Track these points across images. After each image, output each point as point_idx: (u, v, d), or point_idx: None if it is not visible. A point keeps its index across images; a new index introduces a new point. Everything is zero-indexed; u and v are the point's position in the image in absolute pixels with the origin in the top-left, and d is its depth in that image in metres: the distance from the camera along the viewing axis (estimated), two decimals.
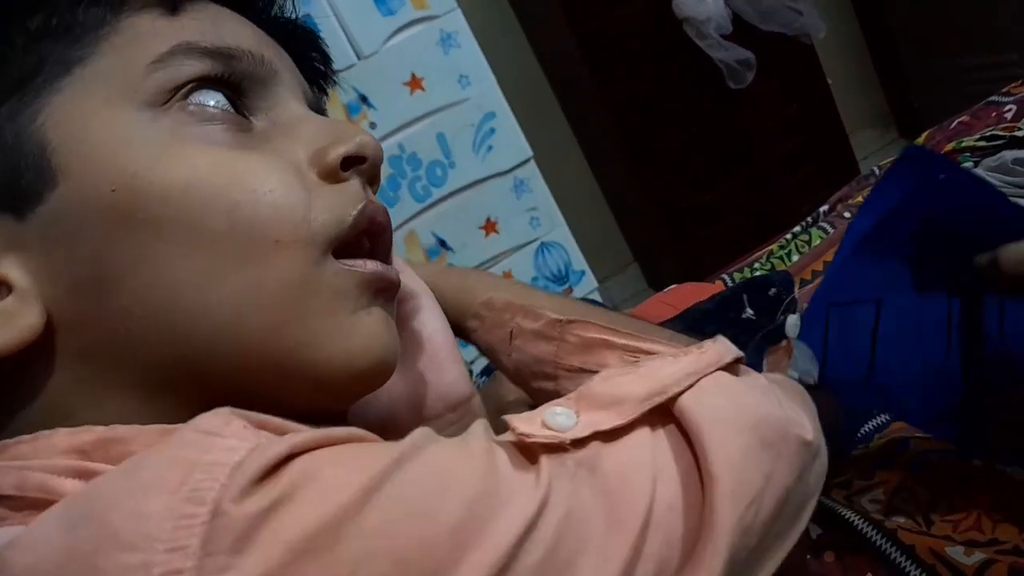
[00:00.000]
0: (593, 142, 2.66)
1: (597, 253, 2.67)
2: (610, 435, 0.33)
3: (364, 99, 2.02)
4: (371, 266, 0.38)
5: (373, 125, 2.03)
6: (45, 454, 0.30)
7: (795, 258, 1.18)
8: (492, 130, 2.13)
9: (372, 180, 0.40)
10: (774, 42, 2.31)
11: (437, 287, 0.54)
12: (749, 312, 0.80)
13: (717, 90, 2.31)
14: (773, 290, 0.87)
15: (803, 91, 2.46)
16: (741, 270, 1.22)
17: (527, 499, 0.28)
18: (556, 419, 0.32)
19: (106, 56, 0.34)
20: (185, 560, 0.23)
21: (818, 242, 1.20)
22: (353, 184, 0.38)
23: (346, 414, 0.41)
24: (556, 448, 0.31)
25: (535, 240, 2.24)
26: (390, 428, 0.34)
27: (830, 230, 1.22)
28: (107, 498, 0.25)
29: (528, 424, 0.32)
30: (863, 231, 0.62)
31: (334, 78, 0.51)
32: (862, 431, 0.75)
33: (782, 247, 1.24)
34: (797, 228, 1.29)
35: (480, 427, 0.32)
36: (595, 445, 0.32)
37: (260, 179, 0.34)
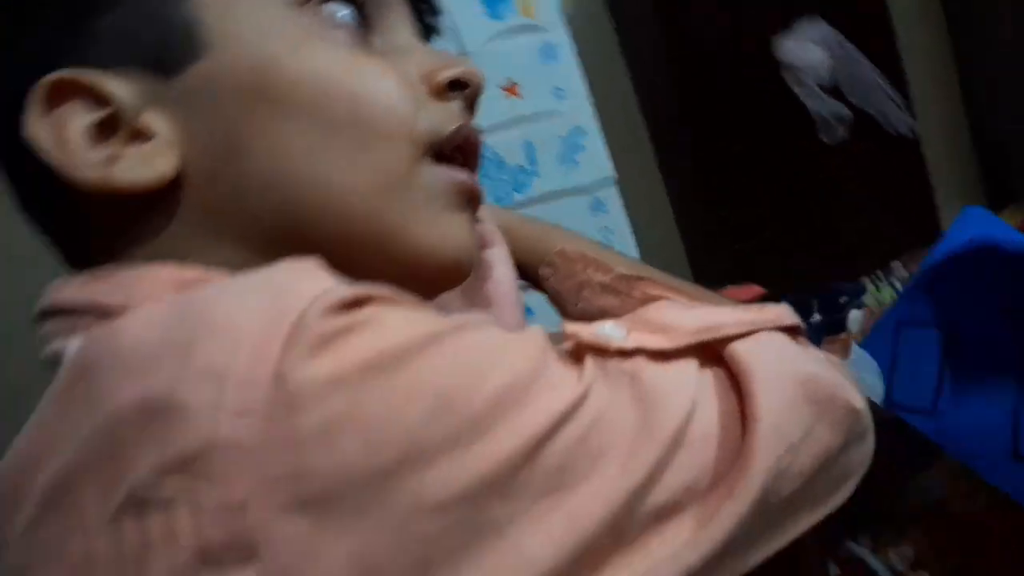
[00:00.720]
0: (676, 174, 2.65)
1: None
2: (656, 356, 0.34)
3: None
4: (462, 175, 0.43)
5: None
6: (150, 283, 0.33)
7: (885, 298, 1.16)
8: (579, 145, 2.15)
9: (471, 106, 0.45)
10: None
11: (514, 232, 0.59)
12: (817, 317, 0.79)
13: (812, 142, 2.28)
14: (844, 298, 0.86)
15: (895, 155, 2.42)
16: None
17: (568, 389, 0.30)
18: (606, 330, 0.35)
19: None
20: (269, 353, 0.26)
21: (887, 299, 1.18)
22: (455, 104, 0.43)
23: None
24: (602, 352, 0.34)
25: None
26: None
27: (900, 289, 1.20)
28: (208, 299, 0.29)
29: (580, 328, 0.35)
30: (937, 261, 0.62)
31: (438, 30, 0.54)
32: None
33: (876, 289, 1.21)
34: (871, 286, 1.27)
35: (538, 328, 0.34)
36: (640, 360, 0.34)
37: (379, 79, 0.39)
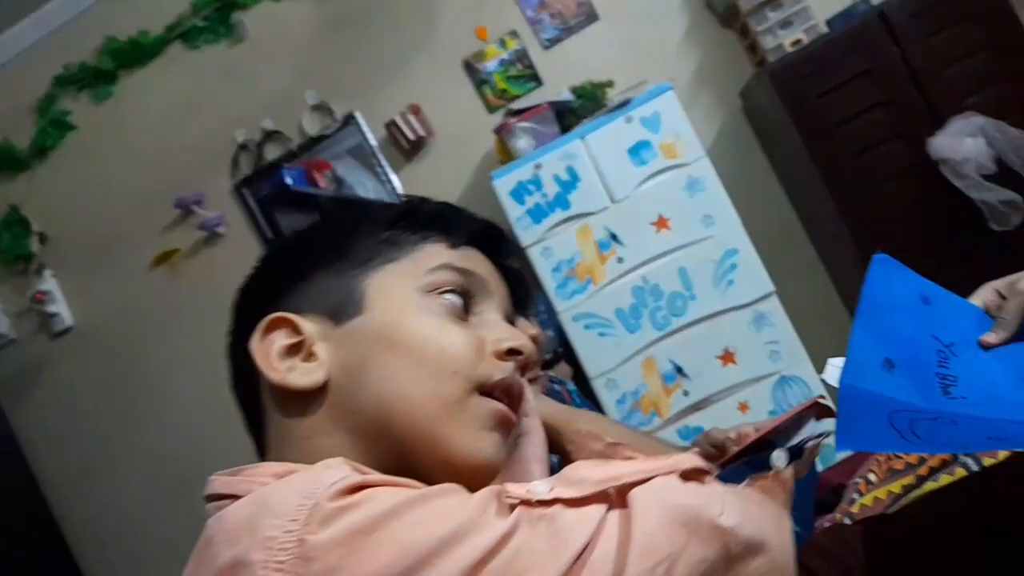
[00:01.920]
0: (847, 280, 2.63)
1: None
2: (570, 503, 0.48)
3: (614, 236, 2.27)
4: (501, 407, 0.60)
5: (620, 260, 2.26)
6: (261, 474, 0.53)
7: None
8: (733, 265, 2.25)
9: (525, 369, 0.64)
10: None
11: (554, 419, 0.80)
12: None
13: (982, 231, 2.20)
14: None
15: None
16: None
17: (496, 531, 0.44)
18: (536, 487, 0.49)
19: (410, 259, 0.63)
20: (296, 524, 0.44)
21: None
22: (509, 364, 0.62)
23: None
24: (528, 504, 0.47)
25: (775, 374, 2.26)
26: None
27: None
28: (270, 491, 0.48)
29: (516, 489, 0.49)
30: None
31: (528, 308, 0.80)
32: None
33: None
34: None
35: (488, 490, 0.49)
36: (558, 507, 0.47)
37: (457, 338, 0.60)
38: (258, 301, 0.63)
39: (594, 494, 0.49)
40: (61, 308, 2.99)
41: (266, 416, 0.61)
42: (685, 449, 0.93)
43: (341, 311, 0.60)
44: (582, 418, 0.82)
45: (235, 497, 0.51)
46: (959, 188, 2.16)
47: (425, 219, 0.65)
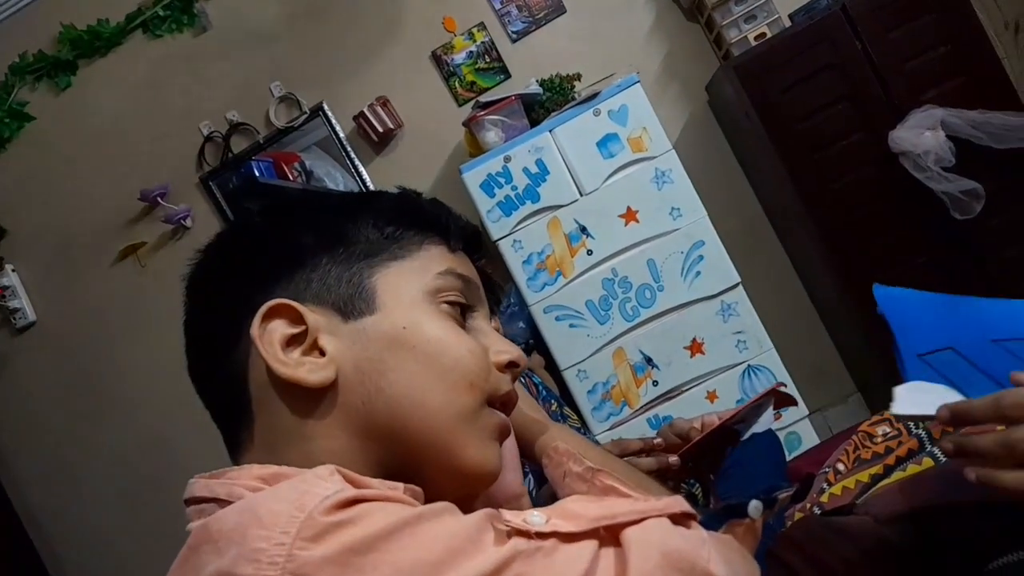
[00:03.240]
0: (811, 273, 2.68)
1: (816, 381, 2.65)
2: (566, 537, 0.49)
3: (583, 229, 2.29)
4: (504, 419, 0.62)
5: (590, 252, 2.28)
6: (246, 476, 0.51)
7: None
8: (700, 257, 2.28)
9: (515, 377, 0.66)
10: (1011, 169, 2.23)
11: (530, 431, 0.81)
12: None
13: (944, 222, 2.26)
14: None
15: None
16: None
17: (492, 558, 0.44)
18: (532, 518, 0.49)
19: (416, 260, 0.61)
20: (287, 538, 0.42)
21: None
22: (508, 376, 0.63)
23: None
24: (525, 534, 0.48)
25: (741, 363, 2.30)
26: (468, 507, 0.53)
27: None
28: (259, 500, 0.47)
29: (513, 517, 0.49)
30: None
31: (498, 308, 0.79)
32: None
33: None
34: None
35: (483, 514, 0.49)
36: (554, 541, 0.48)
37: (473, 349, 0.60)
38: (244, 280, 0.59)
39: (589, 530, 0.50)
40: (23, 303, 2.93)
41: (256, 410, 0.57)
42: (652, 441, 0.95)
43: (350, 306, 0.58)
44: (560, 433, 0.82)
45: (217, 501, 0.51)
46: (920, 180, 2.22)
47: (426, 218, 0.64)
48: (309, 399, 0.56)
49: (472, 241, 0.68)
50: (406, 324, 0.58)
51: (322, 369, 0.55)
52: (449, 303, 0.61)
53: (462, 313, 0.63)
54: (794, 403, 0.96)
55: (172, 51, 2.87)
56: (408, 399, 0.56)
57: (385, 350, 0.57)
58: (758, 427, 0.93)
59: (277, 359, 0.55)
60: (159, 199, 2.83)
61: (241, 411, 0.58)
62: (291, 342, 0.56)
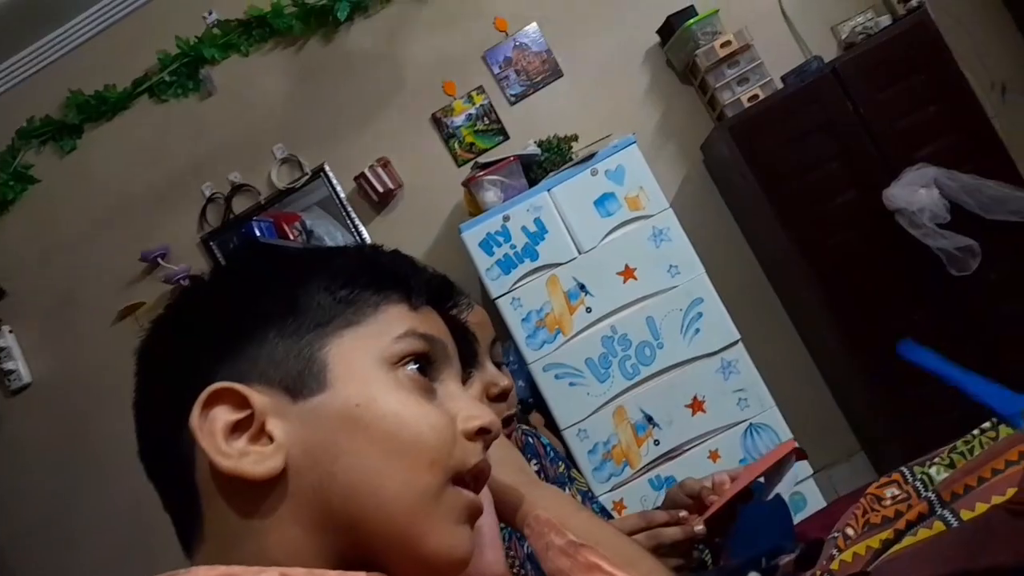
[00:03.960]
0: (811, 329, 2.68)
1: (819, 438, 2.62)
2: None
3: (582, 287, 2.30)
4: (473, 497, 0.55)
5: (589, 309, 2.29)
6: None
7: (976, 453, 1.17)
8: (700, 314, 2.29)
9: (488, 444, 0.59)
10: (1004, 227, 2.25)
11: (511, 495, 0.76)
12: None
13: (941, 277, 2.27)
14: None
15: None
16: (922, 464, 1.22)
17: None
18: None
19: (372, 325, 0.55)
20: None
21: (1005, 437, 1.18)
22: (479, 445, 0.57)
23: None
24: None
25: (743, 421, 2.28)
26: None
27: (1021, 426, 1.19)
28: None
29: None
30: None
31: (474, 367, 0.80)
32: None
33: (966, 443, 1.22)
34: (986, 424, 1.26)
35: None
36: None
37: (436, 421, 0.53)
38: (185, 360, 0.53)
39: None
40: (19, 364, 2.92)
41: (203, 503, 0.51)
42: (677, 514, 0.92)
43: (299, 384, 0.51)
44: (543, 497, 0.78)
45: None
46: (916, 237, 2.24)
47: (384, 275, 0.58)
48: (257, 491, 0.50)
49: (441, 293, 0.64)
50: (359, 400, 0.51)
51: (268, 459, 0.49)
52: (413, 368, 0.55)
53: (428, 376, 0.57)
54: (806, 458, 0.95)
55: (176, 115, 2.92)
56: (364, 484, 0.50)
57: (338, 431, 0.50)
58: (782, 487, 0.91)
59: (218, 451, 0.49)
60: (159, 260, 2.84)
61: (189, 503, 0.52)
62: (236, 428, 0.50)
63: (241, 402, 0.50)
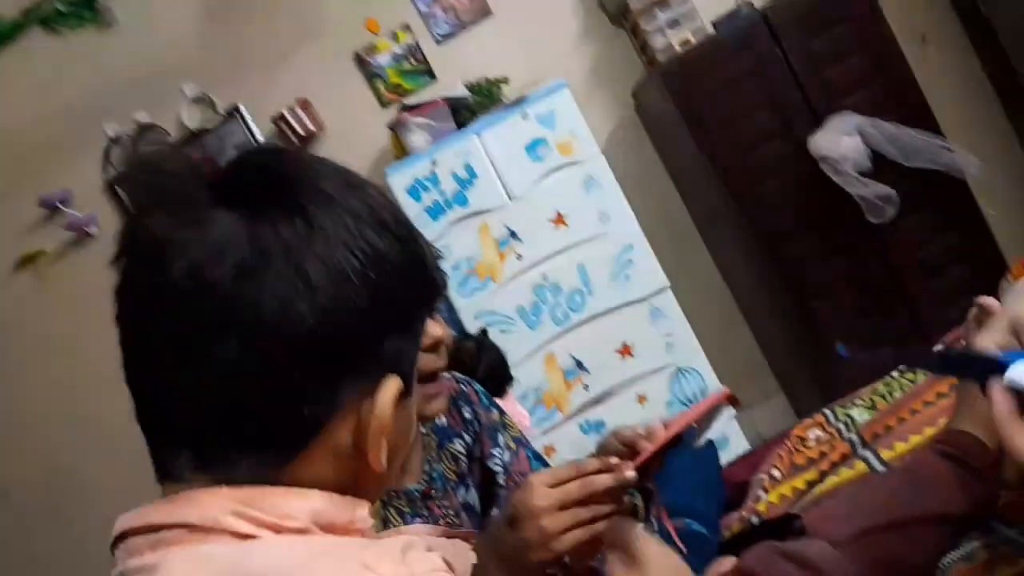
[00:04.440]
0: (736, 275, 2.73)
1: (740, 381, 2.69)
2: None
3: (513, 234, 2.26)
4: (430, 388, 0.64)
5: (520, 257, 2.25)
6: (217, 501, 0.46)
7: (896, 395, 1.20)
8: (630, 261, 2.29)
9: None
10: (923, 177, 2.31)
11: None
12: None
13: (861, 225, 2.33)
14: None
15: (957, 224, 2.41)
16: (844, 405, 1.25)
17: None
18: None
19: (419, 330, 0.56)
20: None
21: (923, 379, 1.21)
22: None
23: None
24: None
25: (671, 365, 2.31)
26: None
27: None
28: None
29: None
30: None
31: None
32: None
33: (886, 384, 1.25)
34: (904, 366, 1.30)
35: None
36: None
37: None
38: (368, 330, 0.49)
39: None
40: None
41: (298, 458, 0.49)
42: (608, 460, 0.91)
43: (409, 385, 0.53)
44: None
45: (187, 527, 0.45)
46: (838, 184, 2.28)
47: (438, 288, 0.58)
48: (353, 472, 0.51)
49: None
50: (414, 413, 0.56)
51: (383, 452, 0.51)
52: None
53: None
54: (740, 405, 0.95)
55: (73, 48, 2.70)
56: (386, 478, 0.54)
57: (402, 437, 0.54)
58: (711, 433, 0.91)
59: (383, 444, 0.50)
60: (60, 205, 2.66)
61: (271, 446, 0.49)
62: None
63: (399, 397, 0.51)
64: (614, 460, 0.88)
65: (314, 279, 0.46)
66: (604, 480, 0.81)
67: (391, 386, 0.50)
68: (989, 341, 0.60)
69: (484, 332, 1.88)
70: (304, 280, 0.46)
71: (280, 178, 0.50)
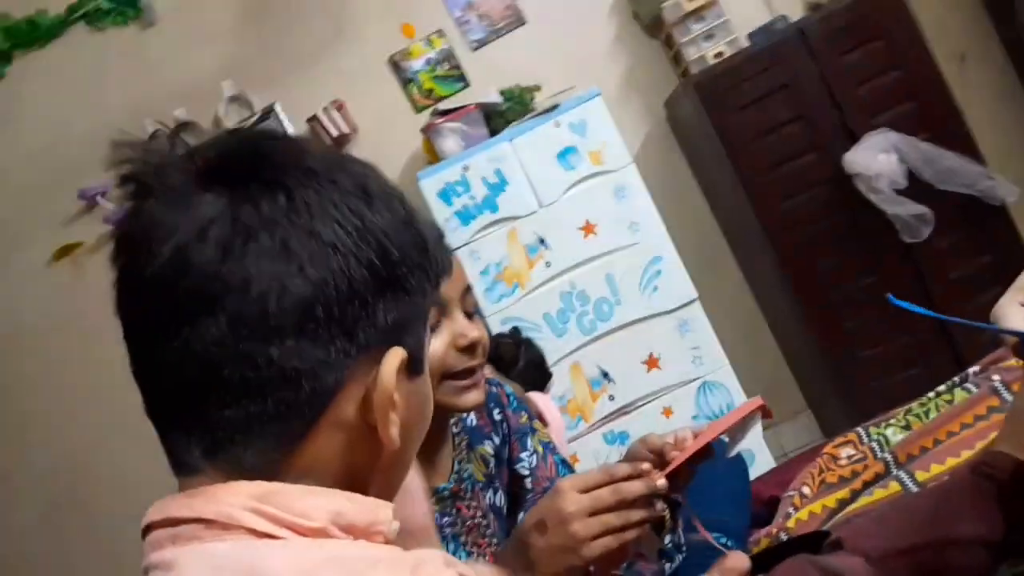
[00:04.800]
0: (765, 290, 2.71)
1: (766, 396, 2.64)
2: None
3: (542, 241, 2.26)
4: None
5: (548, 264, 2.26)
6: (234, 496, 0.46)
7: (932, 416, 1.19)
8: (658, 272, 2.28)
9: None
10: (959, 197, 2.28)
11: None
12: None
13: (893, 243, 2.31)
14: None
15: (992, 246, 2.37)
16: (878, 425, 1.24)
17: None
18: None
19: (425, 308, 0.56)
20: None
21: (960, 401, 1.20)
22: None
23: None
24: None
25: (697, 379, 2.30)
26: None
27: (974, 390, 1.21)
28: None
29: None
30: None
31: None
32: None
33: (922, 405, 1.24)
34: (942, 387, 1.29)
35: None
36: None
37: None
38: (347, 302, 0.47)
39: None
40: None
41: (307, 440, 0.49)
42: (640, 467, 0.91)
43: (417, 361, 0.53)
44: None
45: (203, 522, 0.45)
46: (872, 202, 2.26)
47: (441, 265, 0.57)
48: (366, 452, 0.51)
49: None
50: (429, 390, 0.56)
51: (396, 427, 0.50)
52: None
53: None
54: (771, 416, 0.94)
55: (115, 45, 2.75)
56: (406, 463, 0.56)
57: (416, 416, 0.54)
58: (744, 444, 0.90)
59: (392, 417, 0.50)
60: (99, 199, 2.70)
61: (275, 429, 0.48)
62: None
63: (399, 372, 0.50)
64: (645, 466, 0.87)
65: (300, 252, 0.46)
66: (635, 487, 0.81)
67: (394, 357, 0.49)
68: None
69: (516, 330, 1.88)
70: (290, 254, 0.46)
71: (263, 158, 0.50)
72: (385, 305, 0.49)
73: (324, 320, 0.47)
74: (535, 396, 1.78)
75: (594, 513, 0.77)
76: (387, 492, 0.54)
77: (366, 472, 0.51)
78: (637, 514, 0.80)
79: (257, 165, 0.49)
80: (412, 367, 0.52)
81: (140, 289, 0.48)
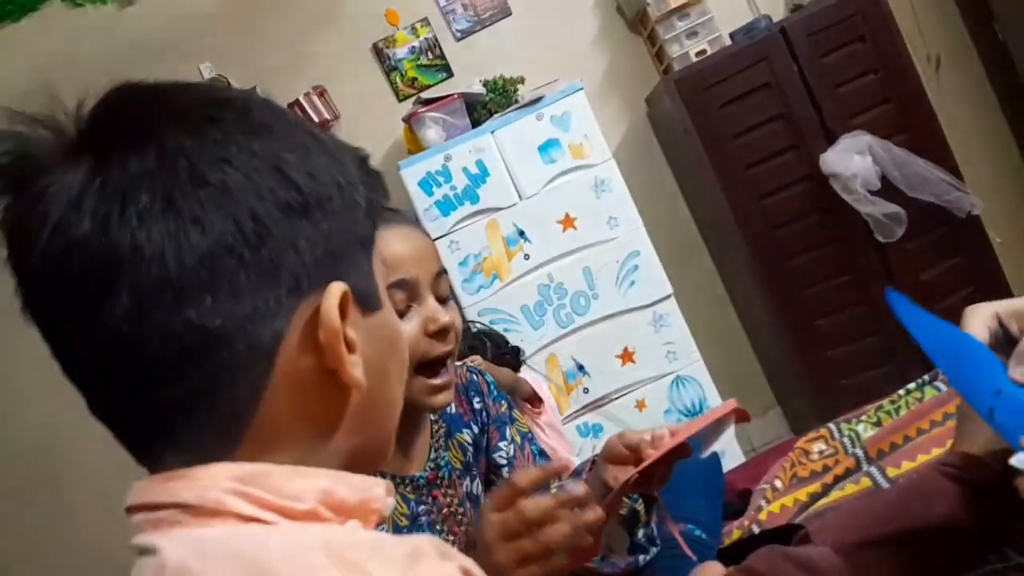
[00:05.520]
0: (739, 286, 2.74)
1: (737, 393, 2.69)
2: None
3: (522, 233, 2.27)
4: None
5: (527, 256, 2.26)
6: (211, 478, 0.43)
7: (903, 412, 1.21)
8: (636, 267, 2.30)
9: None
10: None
11: None
12: None
13: (867, 243, 2.34)
14: None
15: (963, 248, 2.42)
16: (849, 421, 1.26)
17: None
18: None
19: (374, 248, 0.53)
20: None
21: (930, 398, 1.22)
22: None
23: None
24: None
25: (671, 373, 2.32)
26: None
27: (943, 388, 1.24)
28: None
29: None
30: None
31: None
32: None
33: (893, 402, 1.26)
34: (912, 385, 1.31)
35: None
36: None
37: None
38: (305, 240, 0.45)
39: None
40: None
41: (262, 402, 0.45)
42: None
43: (367, 296, 0.49)
44: None
45: (184, 507, 0.42)
46: (847, 201, 2.29)
47: (369, 186, 0.53)
48: (336, 398, 0.48)
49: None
50: (396, 325, 0.54)
51: (358, 368, 0.47)
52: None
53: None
54: (748, 419, 0.95)
55: (93, 23, 2.70)
56: (388, 400, 0.53)
57: (386, 352, 0.51)
58: (717, 446, 0.91)
59: (346, 357, 0.46)
60: None
61: (223, 399, 0.44)
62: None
63: (344, 307, 0.46)
64: (578, 490, 0.80)
65: (188, 203, 0.42)
66: (536, 505, 0.74)
67: (333, 291, 0.45)
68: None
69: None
70: (176, 208, 0.41)
71: (124, 111, 0.46)
72: (308, 239, 0.45)
73: (237, 269, 0.43)
74: (529, 376, 1.78)
75: (507, 538, 0.73)
76: (377, 439, 0.52)
77: (339, 420, 0.48)
78: (557, 534, 0.73)
79: (119, 121, 0.45)
80: (365, 302, 0.49)
81: (34, 284, 0.44)
